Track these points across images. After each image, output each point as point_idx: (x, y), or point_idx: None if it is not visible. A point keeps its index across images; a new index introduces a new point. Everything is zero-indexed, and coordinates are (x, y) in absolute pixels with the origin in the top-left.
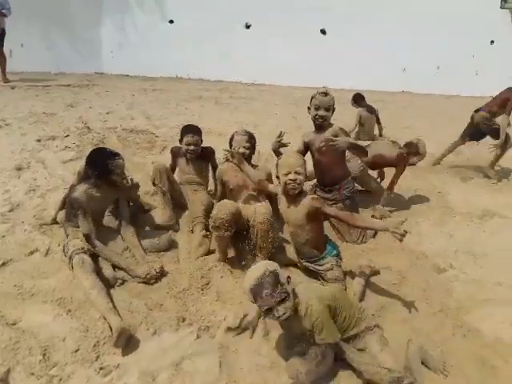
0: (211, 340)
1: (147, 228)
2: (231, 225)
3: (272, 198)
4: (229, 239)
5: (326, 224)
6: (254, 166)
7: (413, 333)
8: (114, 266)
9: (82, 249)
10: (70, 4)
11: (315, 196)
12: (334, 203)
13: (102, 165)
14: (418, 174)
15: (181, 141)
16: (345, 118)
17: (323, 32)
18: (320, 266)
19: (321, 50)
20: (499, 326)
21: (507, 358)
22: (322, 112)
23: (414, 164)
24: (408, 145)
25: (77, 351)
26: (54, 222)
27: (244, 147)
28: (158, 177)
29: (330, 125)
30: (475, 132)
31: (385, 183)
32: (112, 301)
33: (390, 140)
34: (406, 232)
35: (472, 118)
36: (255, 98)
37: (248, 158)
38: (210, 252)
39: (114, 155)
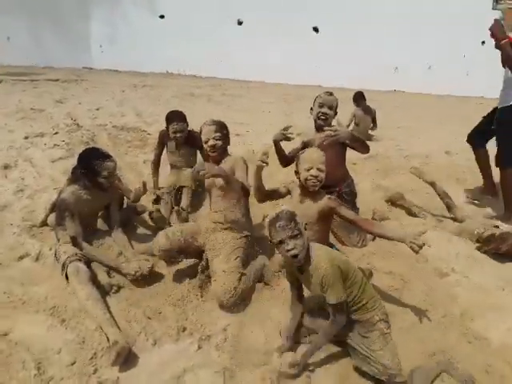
0: (213, 351)
1: (142, 231)
2: (174, 256)
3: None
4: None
5: None
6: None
7: (420, 341)
8: (109, 273)
9: (76, 255)
10: None
11: (332, 196)
12: None
13: (88, 164)
14: (410, 176)
15: (167, 128)
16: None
17: (316, 30)
18: None
19: (313, 48)
20: (506, 333)
21: None
22: (325, 109)
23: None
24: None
25: (73, 364)
26: (44, 224)
27: (214, 138)
28: None
29: (331, 126)
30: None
31: None
32: (109, 311)
33: None
34: (423, 244)
35: None
36: (248, 96)
37: (222, 150)
38: None
39: (104, 157)
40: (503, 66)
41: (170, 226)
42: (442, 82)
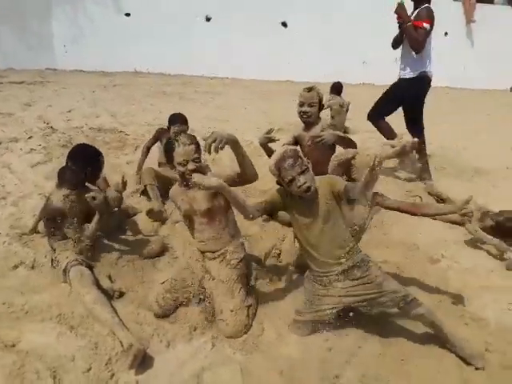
0: (227, 348)
1: (134, 234)
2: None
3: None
4: None
5: None
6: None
7: (420, 327)
8: (110, 277)
9: (77, 260)
10: None
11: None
12: None
13: (96, 162)
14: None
15: (169, 128)
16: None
17: (284, 25)
18: None
19: (282, 42)
20: (501, 313)
21: None
22: (305, 108)
23: None
24: None
25: (89, 370)
26: (34, 231)
27: (194, 161)
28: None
29: (318, 121)
30: None
31: None
32: (117, 314)
33: None
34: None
35: None
36: (221, 93)
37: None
38: None
39: (99, 151)
40: (397, 45)
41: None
42: None
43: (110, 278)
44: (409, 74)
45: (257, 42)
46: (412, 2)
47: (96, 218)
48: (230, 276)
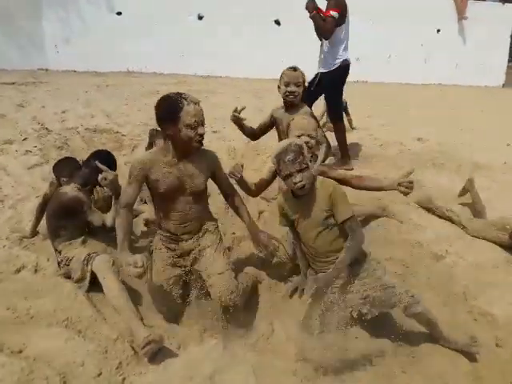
0: (239, 350)
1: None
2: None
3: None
4: None
5: None
6: None
7: None
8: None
9: (95, 253)
10: None
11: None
12: None
13: (110, 165)
14: (386, 163)
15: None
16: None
17: (277, 23)
18: None
19: (276, 40)
20: (509, 308)
21: None
22: (292, 87)
23: None
24: None
25: (99, 375)
26: (34, 234)
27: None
28: None
29: (302, 105)
30: None
31: None
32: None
33: None
34: (412, 183)
35: None
36: (215, 92)
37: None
38: None
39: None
40: (318, 35)
41: None
42: (401, 70)
43: None
44: (324, 66)
45: (250, 41)
46: None
47: (113, 207)
48: (214, 240)
